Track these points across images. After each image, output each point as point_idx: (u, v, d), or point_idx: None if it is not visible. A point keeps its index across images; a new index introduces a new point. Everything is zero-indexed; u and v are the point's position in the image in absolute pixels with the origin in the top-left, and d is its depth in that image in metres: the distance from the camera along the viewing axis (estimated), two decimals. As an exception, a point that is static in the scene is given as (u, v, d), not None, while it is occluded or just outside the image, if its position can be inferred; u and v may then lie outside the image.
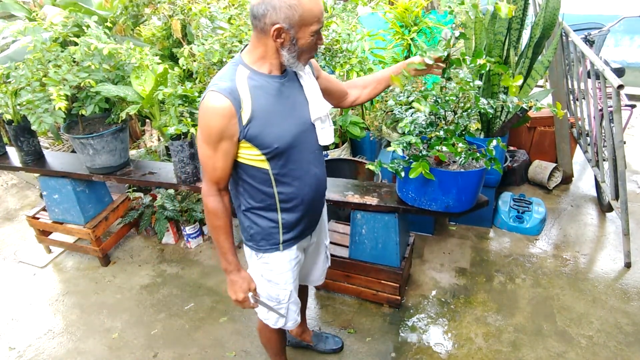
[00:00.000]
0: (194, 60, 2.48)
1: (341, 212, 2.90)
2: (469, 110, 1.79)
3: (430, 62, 1.63)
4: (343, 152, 3.41)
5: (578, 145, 3.45)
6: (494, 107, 1.75)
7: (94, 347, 2.39)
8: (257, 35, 1.29)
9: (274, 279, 1.60)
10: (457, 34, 1.61)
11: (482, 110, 1.74)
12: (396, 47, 3.31)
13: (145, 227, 3.11)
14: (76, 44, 2.21)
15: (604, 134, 2.93)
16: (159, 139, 3.80)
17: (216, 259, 2.94)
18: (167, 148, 3.44)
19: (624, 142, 2.54)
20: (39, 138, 2.83)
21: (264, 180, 1.42)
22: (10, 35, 2.58)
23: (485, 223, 3.10)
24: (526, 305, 2.47)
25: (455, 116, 1.81)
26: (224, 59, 2.39)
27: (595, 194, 3.35)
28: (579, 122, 3.28)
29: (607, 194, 2.87)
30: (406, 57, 3.26)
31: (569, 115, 3.44)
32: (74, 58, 2.19)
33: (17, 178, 4.18)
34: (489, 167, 1.74)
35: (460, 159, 1.72)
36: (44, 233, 3.05)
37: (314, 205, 1.56)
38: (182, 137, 2.24)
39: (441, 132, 1.75)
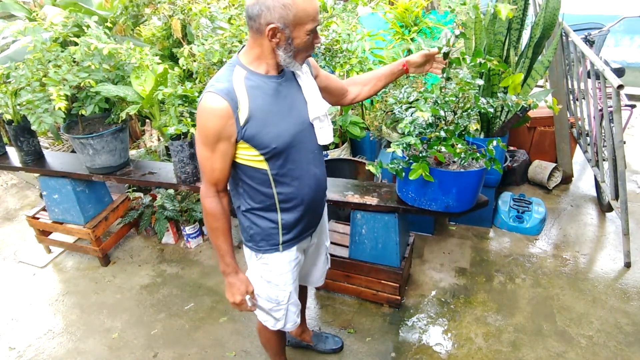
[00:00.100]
0: (194, 60, 2.48)
1: (341, 212, 2.90)
2: (469, 111, 1.79)
3: (427, 51, 1.62)
4: (343, 152, 3.41)
5: (578, 145, 3.45)
6: (494, 106, 1.76)
7: (94, 347, 2.39)
8: (253, 35, 1.29)
9: (273, 280, 1.60)
10: (457, 32, 1.61)
11: (482, 110, 1.74)
12: (396, 47, 3.30)
13: (145, 227, 3.11)
14: (76, 44, 2.21)
15: (604, 134, 2.93)
16: (159, 139, 3.80)
17: (216, 259, 2.94)
18: (167, 148, 3.44)
19: (624, 142, 2.54)
20: (39, 138, 2.84)
21: (263, 181, 1.42)
22: (10, 35, 2.58)
23: (485, 223, 3.10)
24: (526, 305, 2.47)
25: (455, 116, 1.81)
26: (224, 59, 2.39)
27: (595, 194, 3.35)
28: (579, 122, 3.28)
29: (607, 194, 2.87)
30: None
31: (569, 115, 3.44)
32: (74, 58, 2.19)
33: (17, 178, 4.19)
34: (489, 167, 1.74)
35: (460, 159, 1.72)
36: (43, 233, 3.05)
37: (313, 206, 1.56)
38: (182, 137, 2.24)
39: (441, 133, 1.75)
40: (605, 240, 2.93)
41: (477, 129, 2.73)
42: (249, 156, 1.37)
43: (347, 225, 2.60)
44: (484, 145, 1.78)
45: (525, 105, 1.73)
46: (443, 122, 1.82)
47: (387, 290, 2.41)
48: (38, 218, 2.99)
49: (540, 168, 3.44)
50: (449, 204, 1.86)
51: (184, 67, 2.50)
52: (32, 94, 2.11)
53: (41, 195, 3.00)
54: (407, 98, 1.88)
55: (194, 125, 2.13)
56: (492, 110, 1.75)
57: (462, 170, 1.80)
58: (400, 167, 1.81)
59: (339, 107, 3.42)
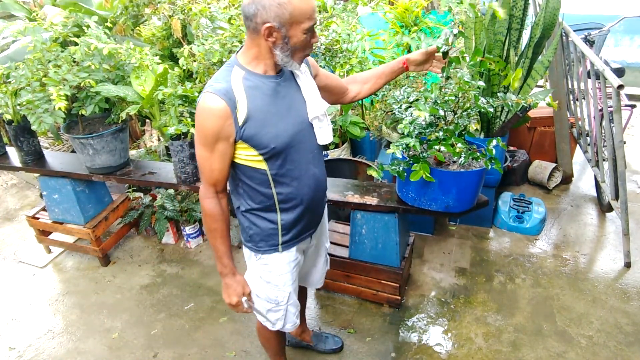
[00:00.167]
0: (194, 60, 2.48)
1: (341, 212, 2.90)
2: (469, 110, 1.79)
3: (427, 49, 1.62)
4: (343, 152, 3.41)
5: (578, 145, 3.45)
6: (494, 106, 1.75)
7: (94, 347, 2.39)
8: (250, 35, 1.29)
9: (272, 280, 1.60)
10: (455, 31, 1.61)
11: (482, 110, 1.74)
12: (396, 47, 3.31)
13: (145, 227, 3.11)
14: (76, 44, 2.21)
15: (604, 134, 2.93)
16: (159, 139, 3.80)
17: (216, 259, 2.94)
18: (167, 148, 3.44)
19: (624, 142, 2.54)
20: (39, 138, 2.83)
21: (262, 181, 1.42)
22: (10, 35, 2.58)
23: (485, 223, 3.10)
24: (526, 305, 2.47)
25: (455, 116, 1.81)
26: (224, 59, 2.39)
27: (595, 194, 3.35)
28: (579, 122, 3.28)
29: (607, 194, 2.87)
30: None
31: (569, 115, 3.44)
32: (74, 58, 2.19)
33: (17, 178, 4.19)
34: (489, 167, 1.74)
35: (460, 159, 1.72)
36: (43, 233, 3.05)
37: (313, 206, 1.56)
38: (182, 137, 2.24)
39: (440, 133, 1.75)
40: (605, 240, 2.93)
41: (477, 129, 2.73)
42: (248, 156, 1.37)
43: (347, 225, 2.60)
44: (484, 145, 1.78)
45: (525, 105, 1.73)
46: (443, 121, 1.82)
47: (387, 290, 2.41)
48: (38, 218, 2.99)
49: (540, 168, 3.44)
50: (449, 204, 1.86)
51: (184, 67, 2.50)
52: (32, 94, 2.11)
53: (41, 195, 3.00)
54: (407, 98, 1.88)
55: (193, 125, 2.12)
56: (492, 110, 1.75)
57: (462, 170, 1.80)
58: (401, 168, 1.81)
59: (338, 107, 3.42)
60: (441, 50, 1.62)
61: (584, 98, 3.09)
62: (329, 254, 2.19)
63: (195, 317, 2.53)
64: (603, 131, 2.95)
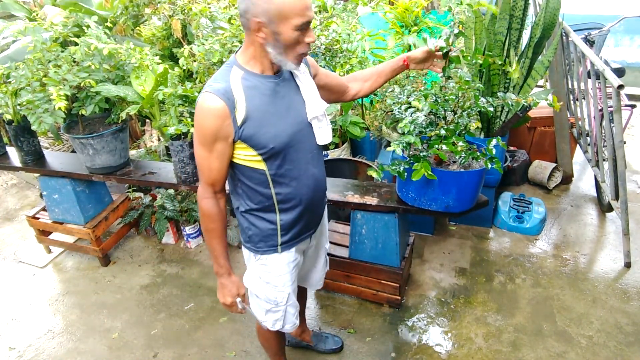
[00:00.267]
0: (194, 60, 2.48)
1: (341, 212, 2.90)
2: (469, 110, 1.79)
3: (432, 46, 1.60)
4: (343, 152, 3.41)
5: (578, 145, 3.45)
6: (494, 106, 1.75)
7: (94, 347, 2.39)
8: (247, 33, 1.29)
9: (272, 281, 1.60)
10: (455, 31, 1.61)
11: (482, 110, 1.74)
12: (396, 47, 3.31)
13: (145, 227, 3.11)
14: (76, 44, 2.21)
15: (604, 134, 2.93)
16: (159, 139, 3.80)
17: (216, 259, 2.94)
18: (167, 148, 3.44)
19: (624, 142, 2.54)
20: (39, 138, 2.83)
21: (261, 181, 1.42)
22: (10, 35, 2.58)
23: (485, 223, 3.10)
24: (526, 305, 2.47)
25: (455, 116, 1.81)
26: (224, 59, 2.39)
27: (595, 194, 3.35)
28: (579, 122, 3.28)
29: (607, 194, 2.87)
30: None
31: (569, 115, 3.44)
32: (74, 58, 2.19)
33: (17, 178, 4.19)
34: (489, 167, 1.74)
35: (461, 159, 1.72)
36: (44, 233, 3.05)
37: (312, 206, 1.56)
38: (182, 137, 2.24)
39: (442, 131, 1.74)
40: (605, 240, 2.93)
41: (477, 127, 2.73)
42: (247, 156, 1.37)
43: (347, 225, 2.60)
44: (484, 144, 1.78)
45: (525, 105, 1.73)
46: (443, 121, 1.82)
47: (387, 290, 2.41)
48: (38, 218, 2.99)
49: (540, 168, 3.44)
50: (449, 204, 1.86)
51: (184, 67, 2.50)
52: (32, 94, 2.11)
53: (41, 195, 3.00)
54: (407, 98, 1.88)
55: (193, 125, 2.13)
56: (492, 109, 1.75)
57: (462, 170, 1.80)
58: (402, 168, 1.81)
59: (338, 107, 3.42)
60: (439, 44, 1.62)
61: (584, 98, 3.09)
62: (329, 254, 2.20)
63: (195, 317, 2.53)
64: (603, 131, 2.95)
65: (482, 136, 2.76)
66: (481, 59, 1.67)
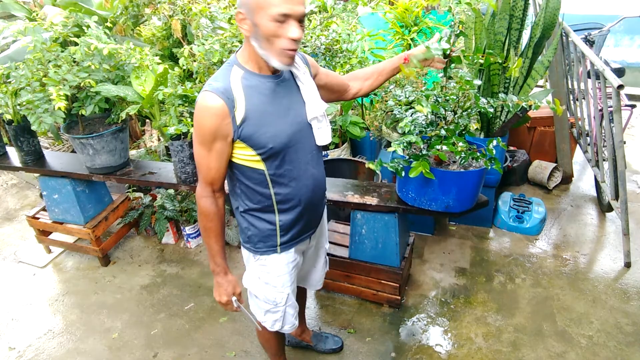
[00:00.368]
0: (194, 60, 2.48)
1: (341, 212, 2.90)
2: (469, 110, 1.79)
3: (439, 52, 1.59)
4: (343, 152, 3.41)
5: (578, 145, 3.45)
6: (494, 106, 1.75)
7: (94, 347, 2.39)
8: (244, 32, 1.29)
9: (271, 281, 1.60)
10: (457, 31, 1.61)
11: (482, 110, 1.74)
12: (396, 47, 3.31)
13: (145, 227, 3.11)
14: (76, 44, 2.21)
15: (604, 134, 2.93)
16: (159, 139, 3.80)
17: (216, 259, 2.94)
18: (167, 148, 3.44)
19: (624, 142, 2.54)
20: (39, 138, 2.84)
21: (260, 181, 1.42)
22: (10, 35, 2.59)
23: (485, 223, 3.10)
24: (526, 305, 2.47)
25: (455, 116, 1.81)
26: (224, 59, 2.39)
27: (595, 194, 3.35)
28: (579, 122, 3.28)
29: (607, 194, 2.87)
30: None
31: (569, 115, 3.45)
32: (74, 58, 2.19)
33: (17, 178, 4.19)
34: (489, 167, 1.74)
35: (460, 159, 1.72)
36: (44, 233, 3.05)
37: (312, 207, 1.56)
38: (182, 137, 2.24)
39: (442, 131, 1.74)
40: (605, 240, 2.93)
41: (477, 128, 2.73)
42: (246, 156, 1.37)
43: (347, 225, 2.60)
44: (484, 145, 1.78)
45: (525, 106, 1.73)
46: (443, 121, 1.82)
47: (387, 290, 2.41)
48: (38, 218, 2.99)
49: (540, 168, 3.44)
50: (449, 204, 1.86)
51: (184, 67, 2.50)
52: (32, 94, 2.11)
53: (41, 195, 3.00)
54: (407, 98, 1.88)
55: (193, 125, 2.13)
56: (492, 110, 1.75)
57: (462, 170, 1.80)
58: (401, 166, 1.81)
59: (338, 107, 3.42)
60: (446, 52, 1.62)
61: (584, 98, 3.09)
62: (329, 254, 2.20)
63: (195, 317, 2.53)
64: (603, 131, 2.95)
65: (482, 136, 2.76)
66: (482, 58, 1.67)
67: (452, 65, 1.68)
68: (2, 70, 2.24)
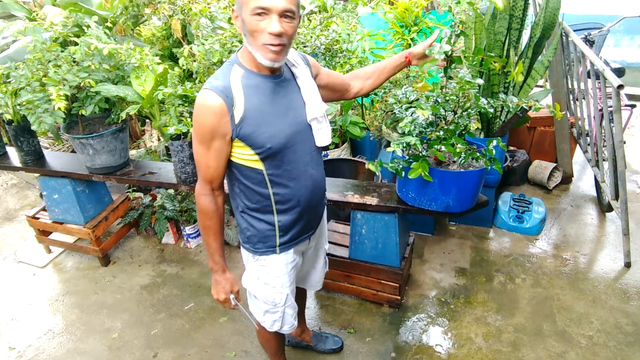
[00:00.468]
0: (194, 60, 2.48)
1: (341, 212, 2.90)
2: (469, 110, 1.79)
3: (441, 56, 1.59)
4: (343, 152, 3.41)
5: (578, 145, 3.45)
6: (494, 106, 1.75)
7: (94, 347, 2.39)
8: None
9: (270, 282, 1.60)
10: (457, 31, 1.61)
11: (482, 110, 1.74)
12: (396, 47, 3.31)
13: (145, 227, 3.11)
14: (76, 44, 2.21)
15: (604, 134, 2.93)
16: (159, 139, 3.80)
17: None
18: (167, 148, 3.44)
19: (624, 142, 2.54)
20: (38, 138, 2.84)
21: (259, 181, 1.42)
22: (10, 35, 2.58)
23: (485, 223, 3.10)
24: (526, 305, 2.47)
25: (455, 116, 1.81)
26: (224, 59, 2.39)
27: (595, 194, 3.35)
28: (579, 122, 3.28)
29: (607, 194, 2.87)
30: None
31: (569, 115, 3.45)
32: (74, 58, 2.19)
33: (17, 178, 4.19)
34: (489, 167, 1.74)
35: (460, 159, 1.72)
36: (43, 233, 3.05)
37: (311, 208, 1.55)
38: (182, 137, 2.24)
39: (441, 133, 1.74)
40: (605, 240, 2.93)
41: (477, 128, 2.73)
42: (244, 155, 1.36)
43: (347, 225, 2.60)
44: (484, 145, 1.78)
45: (525, 107, 1.73)
46: (443, 121, 1.82)
47: (387, 290, 2.41)
48: (38, 218, 2.99)
49: (540, 168, 3.44)
50: (449, 204, 1.86)
51: (184, 67, 2.50)
52: (32, 94, 2.11)
53: (41, 195, 3.00)
54: (407, 98, 1.88)
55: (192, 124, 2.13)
56: (492, 110, 1.75)
57: (462, 170, 1.80)
58: (400, 166, 1.81)
59: (338, 107, 3.42)
60: (447, 53, 1.61)
61: (584, 98, 3.09)
62: (329, 254, 2.20)
63: (195, 317, 2.53)
64: (603, 131, 2.96)
65: (482, 136, 2.76)
66: (482, 59, 1.67)
67: (452, 65, 1.68)
68: (2, 70, 2.24)
